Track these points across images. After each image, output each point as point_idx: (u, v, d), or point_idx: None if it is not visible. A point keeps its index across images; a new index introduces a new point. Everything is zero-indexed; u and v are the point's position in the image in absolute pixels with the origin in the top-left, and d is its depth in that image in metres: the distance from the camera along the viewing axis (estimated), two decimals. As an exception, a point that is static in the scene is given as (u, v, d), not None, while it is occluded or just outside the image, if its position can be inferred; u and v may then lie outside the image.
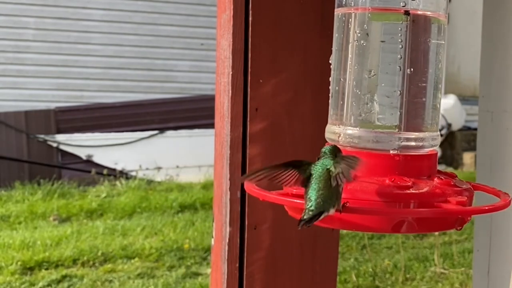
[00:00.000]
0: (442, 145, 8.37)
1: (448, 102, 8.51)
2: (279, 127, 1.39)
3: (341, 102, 0.92)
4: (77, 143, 7.34)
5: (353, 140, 0.89)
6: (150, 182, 7.03)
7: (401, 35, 0.87)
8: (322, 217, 0.75)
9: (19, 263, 4.26)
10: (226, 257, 1.39)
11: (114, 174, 7.17)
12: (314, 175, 0.78)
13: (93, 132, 7.44)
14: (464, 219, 0.85)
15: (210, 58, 7.52)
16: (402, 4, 0.88)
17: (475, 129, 4.34)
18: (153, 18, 7.73)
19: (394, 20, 0.88)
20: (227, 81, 1.37)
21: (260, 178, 0.81)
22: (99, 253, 4.50)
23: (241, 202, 1.38)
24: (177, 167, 7.49)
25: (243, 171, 1.37)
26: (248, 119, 1.36)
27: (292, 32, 1.39)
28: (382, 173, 0.87)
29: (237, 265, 1.40)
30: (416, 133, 0.90)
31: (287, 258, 1.44)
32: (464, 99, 9.17)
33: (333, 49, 0.95)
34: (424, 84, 0.90)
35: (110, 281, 4.08)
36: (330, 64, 0.95)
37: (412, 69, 0.88)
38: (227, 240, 1.39)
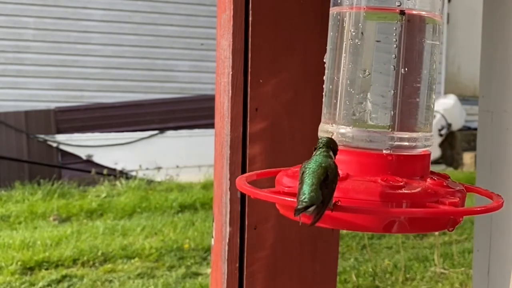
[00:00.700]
0: (442, 145, 8.37)
1: (448, 102, 8.51)
2: (279, 127, 1.39)
3: (335, 101, 0.91)
4: (77, 143, 7.34)
5: (346, 139, 0.89)
6: (150, 182, 7.03)
7: (396, 35, 0.87)
8: (312, 208, 0.76)
9: (19, 263, 4.27)
10: (226, 257, 1.39)
11: (114, 174, 7.17)
12: (307, 171, 0.79)
13: (93, 132, 7.44)
14: (456, 220, 0.85)
15: (210, 58, 7.52)
16: (397, 3, 0.87)
17: (475, 129, 4.35)
18: (153, 18, 7.73)
19: (389, 19, 0.88)
20: (227, 81, 1.37)
21: None
22: (99, 253, 4.50)
23: (241, 202, 1.38)
24: (177, 167, 7.49)
25: (243, 171, 1.36)
26: (248, 119, 1.36)
27: (292, 32, 1.39)
28: (375, 172, 0.87)
29: (237, 265, 1.40)
30: (410, 133, 0.90)
31: (287, 258, 1.44)
32: (464, 99, 9.17)
33: (328, 48, 0.95)
34: (418, 85, 0.90)
35: (110, 281, 4.08)
36: (325, 63, 0.95)
37: (406, 69, 0.88)
38: (227, 240, 1.39)
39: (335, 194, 0.79)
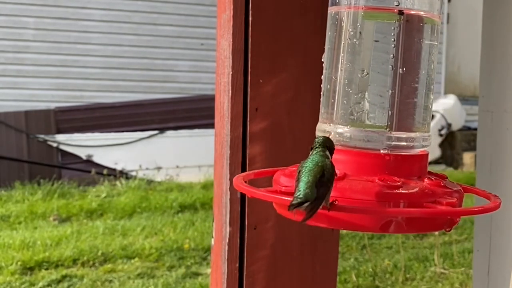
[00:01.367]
0: (442, 145, 8.37)
1: (448, 102, 8.51)
2: (279, 127, 1.39)
3: (333, 101, 0.91)
4: (77, 143, 7.34)
5: (344, 139, 0.89)
6: (150, 182, 7.03)
7: (394, 35, 0.87)
8: (306, 205, 0.76)
9: (19, 263, 4.27)
10: (226, 257, 1.39)
11: (114, 174, 7.17)
12: (304, 170, 0.79)
13: (93, 132, 7.44)
14: (454, 220, 0.84)
15: (210, 58, 7.52)
16: (395, 3, 0.87)
17: (475, 129, 4.35)
18: (152, 18, 7.73)
19: (388, 19, 0.88)
20: (227, 81, 1.37)
21: None
22: (99, 253, 4.50)
23: (241, 202, 1.38)
24: (177, 167, 7.49)
25: (243, 171, 1.36)
26: (248, 119, 1.36)
27: (292, 32, 1.39)
28: (372, 172, 0.87)
29: (237, 265, 1.40)
30: (407, 133, 0.90)
31: (287, 258, 1.44)
32: (464, 99, 9.17)
33: (326, 47, 0.95)
34: (416, 85, 0.89)
35: (110, 281, 4.08)
36: (323, 62, 0.95)
37: (404, 69, 0.88)
38: (227, 240, 1.39)
39: (332, 193, 0.80)
